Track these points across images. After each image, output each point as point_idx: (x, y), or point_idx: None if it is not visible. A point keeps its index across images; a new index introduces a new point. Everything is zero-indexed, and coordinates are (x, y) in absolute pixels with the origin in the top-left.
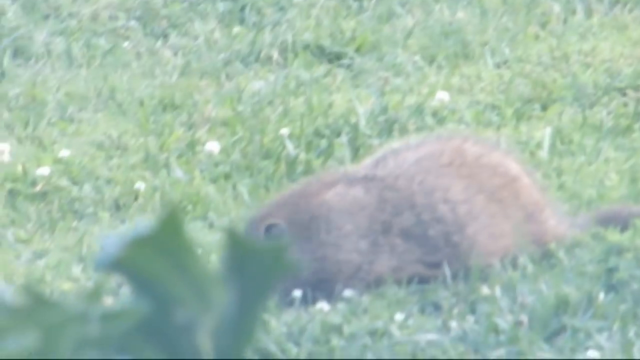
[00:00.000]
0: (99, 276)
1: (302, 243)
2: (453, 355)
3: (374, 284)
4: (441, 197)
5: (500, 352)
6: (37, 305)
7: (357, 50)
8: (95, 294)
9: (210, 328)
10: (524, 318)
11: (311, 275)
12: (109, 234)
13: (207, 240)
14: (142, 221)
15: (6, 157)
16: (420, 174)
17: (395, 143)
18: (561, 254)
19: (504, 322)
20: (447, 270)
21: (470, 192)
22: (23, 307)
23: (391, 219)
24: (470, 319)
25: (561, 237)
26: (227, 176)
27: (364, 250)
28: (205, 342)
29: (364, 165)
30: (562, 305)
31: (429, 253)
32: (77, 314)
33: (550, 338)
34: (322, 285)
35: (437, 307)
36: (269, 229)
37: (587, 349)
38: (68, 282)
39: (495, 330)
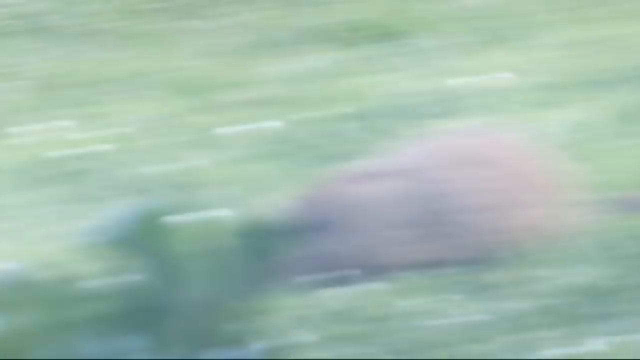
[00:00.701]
0: (93, 257)
1: (322, 235)
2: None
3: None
4: (453, 187)
5: None
6: (26, 284)
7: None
8: (84, 276)
9: (197, 309)
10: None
11: (323, 265)
12: (104, 216)
13: None
14: (137, 205)
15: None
16: (431, 167)
17: (417, 137)
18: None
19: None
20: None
21: (479, 182)
22: (11, 286)
23: (411, 206)
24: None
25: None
26: (282, 155)
27: (387, 241)
28: (191, 323)
29: (383, 158)
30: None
31: (449, 237)
32: (64, 294)
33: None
34: (330, 272)
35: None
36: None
37: None
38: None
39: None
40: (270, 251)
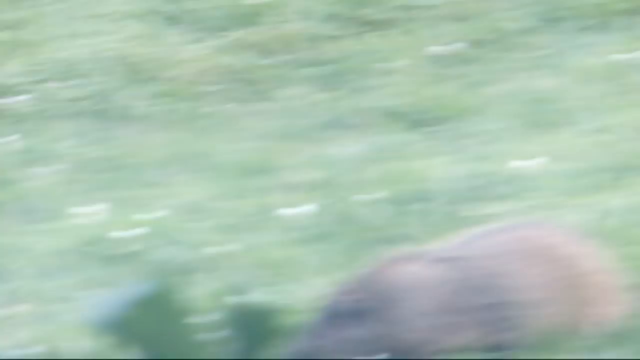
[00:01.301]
0: (99, 336)
1: (371, 320)
2: None
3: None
4: (511, 283)
5: None
6: None
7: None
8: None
9: None
10: None
11: (379, 350)
12: (103, 295)
13: None
14: (137, 284)
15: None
16: (495, 257)
17: (485, 226)
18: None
19: None
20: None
21: (537, 280)
22: None
23: (460, 299)
24: None
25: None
26: (309, 240)
27: (428, 328)
28: None
29: (448, 244)
30: None
31: (492, 333)
32: None
33: None
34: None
35: None
36: (338, 304)
37: None
38: None
39: None
40: (296, 337)
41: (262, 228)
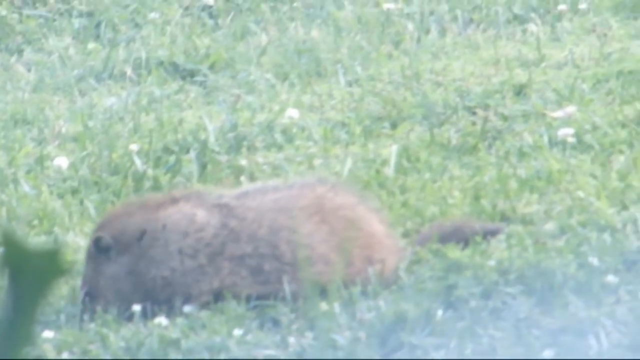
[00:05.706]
0: None
1: (129, 257)
2: None
3: (213, 300)
4: (285, 236)
5: None
6: None
7: (211, 67)
8: None
9: None
10: (362, 334)
11: (135, 291)
12: None
13: None
14: None
15: None
16: (273, 211)
17: (270, 182)
18: (401, 270)
19: (342, 338)
20: (286, 287)
21: (315, 238)
22: None
23: (226, 242)
24: (309, 335)
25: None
26: (74, 191)
27: (187, 269)
28: None
29: (228, 193)
30: (401, 322)
31: (259, 283)
32: None
33: (387, 355)
34: (160, 300)
35: (276, 323)
36: (96, 241)
37: None
38: None
39: (334, 346)
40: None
41: (34, 178)
